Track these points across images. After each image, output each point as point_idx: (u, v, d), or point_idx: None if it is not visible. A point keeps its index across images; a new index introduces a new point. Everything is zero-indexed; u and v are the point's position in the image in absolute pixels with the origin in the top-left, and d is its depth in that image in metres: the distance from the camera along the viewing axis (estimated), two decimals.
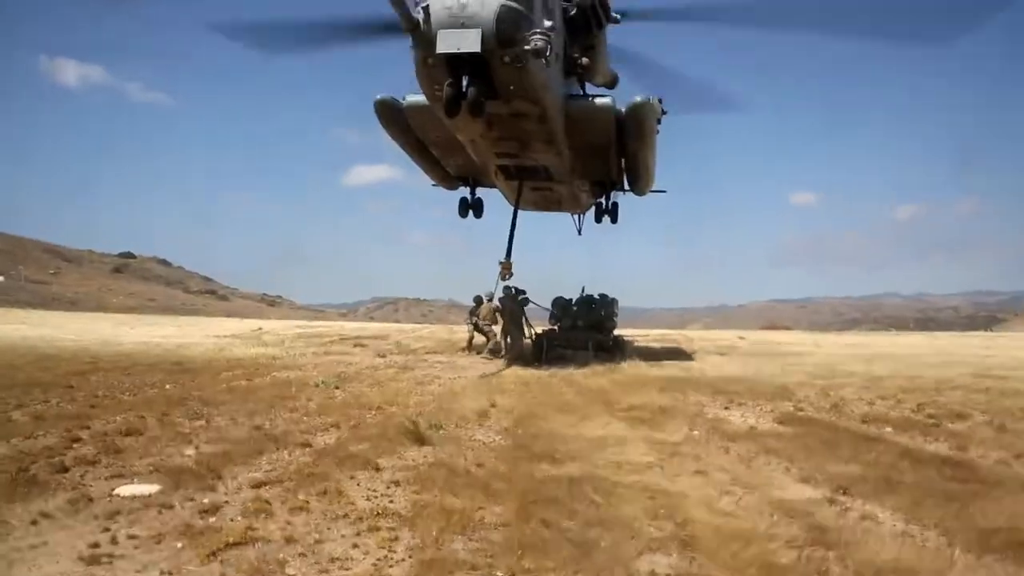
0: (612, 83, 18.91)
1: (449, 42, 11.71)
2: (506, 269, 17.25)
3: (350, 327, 43.34)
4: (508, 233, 17.82)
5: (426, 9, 11.81)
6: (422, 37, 11.99)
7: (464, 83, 12.31)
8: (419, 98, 15.70)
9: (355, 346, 22.35)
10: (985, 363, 19.65)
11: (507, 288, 18.44)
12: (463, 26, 11.64)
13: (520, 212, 18.73)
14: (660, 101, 19.00)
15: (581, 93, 16.88)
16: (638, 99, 16.43)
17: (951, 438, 8.34)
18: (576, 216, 25.86)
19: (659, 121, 19.07)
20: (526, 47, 11.99)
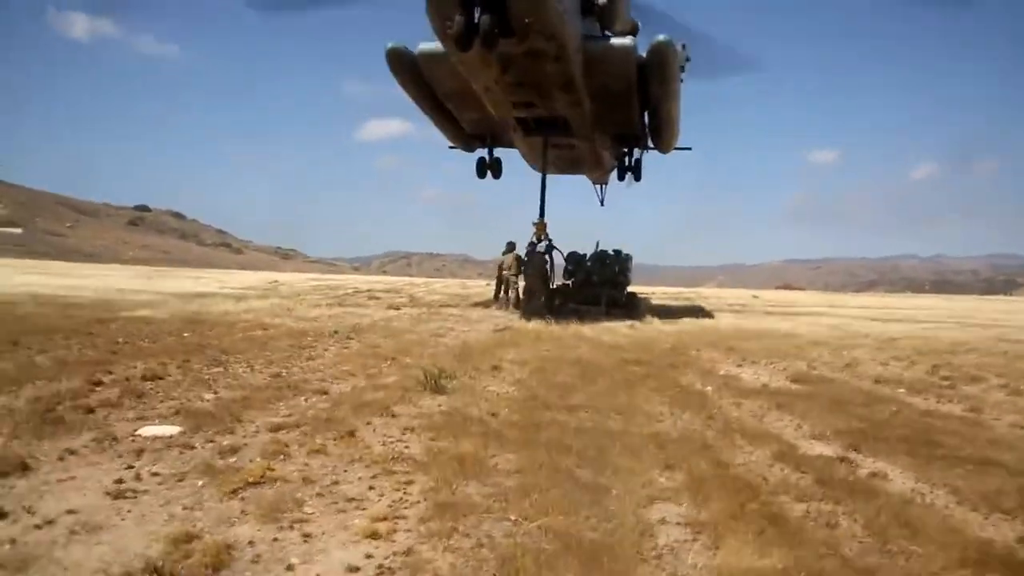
0: (632, 32, 18.25)
1: None
2: (540, 229, 17.21)
3: (364, 280, 43.67)
4: (539, 193, 17.65)
5: None
6: None
7: (476, 15, 11.89)
8: (432, 46, 15.24)
9: (369, 299, 22.51)
10: (1002, 327, 19.56)
11: (532, 244, 18.10)
12: None
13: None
14: (684, 47, 18.29)
15: (600, 35, 16.12)
16: (660, 38, 15.68)
17: (965, 400, 8.34)
18: (598, 186, 25.46)
19: (683, 69, 18.38)
20: None
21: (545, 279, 18.05)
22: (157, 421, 5.63)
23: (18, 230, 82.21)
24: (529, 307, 17.06)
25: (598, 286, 19.27)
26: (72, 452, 4.72)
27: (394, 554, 3.44)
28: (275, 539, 3.55)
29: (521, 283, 19.05)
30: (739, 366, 10.33)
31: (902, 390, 8.92)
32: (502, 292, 19.75)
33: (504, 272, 19.57)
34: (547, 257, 17.87)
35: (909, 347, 13.16)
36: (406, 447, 5.27)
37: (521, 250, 18.63)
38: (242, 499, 4.05)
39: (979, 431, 6.76)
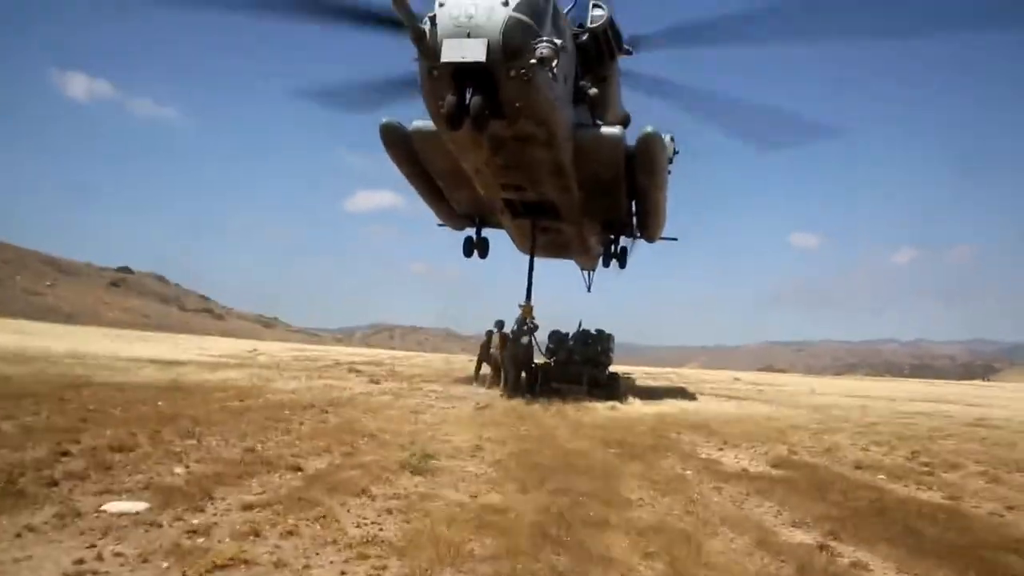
0: (624, 123, 18.62)
1: (454, 51, 11.60)
2: (527, 312, 17.24)
3: (345, 352, 43.29)
4: (527, 276, 17.71)
5: (433, 19, 11.75)
6: (428, 47, 11.88)
7: (468, 96, 12.13)
8: (425, 124, 15.51)
9: (350, 371, 22.29)
10: (980, 412, 19.69)
11: (517, 324, 18.00)
12: (469, 35, 11.55)
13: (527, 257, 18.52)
14: (672, 140, 18.79)
15: (591, 124, 16.35)
16: (649, 129, 15.98)
17: (944, 487, 8.32)
18: (586, 273, 25.73)
19: (671, 161, 18.79)
20: (532, 60, 11.88)
21: (524, 365, 17.96)
22: (124, 496, 5.46)
23: None
24: (510, 386, 16.95)
25: (580, 365, 19.21)
26: (31, 529, 4.54)
27: None
28: None
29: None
30: (720, 449, 10.27)
31: (882, 476, 8.89)
32: (490, 371, 19.52)
33: (492, 351, 19.37)
34: (529, 342, 17.84)
35: (888, 432, 13.18)
36: (381, 529, 5.14)
37: (508, 329, 18.51)
38: None
39: (959, 519, 6.73)
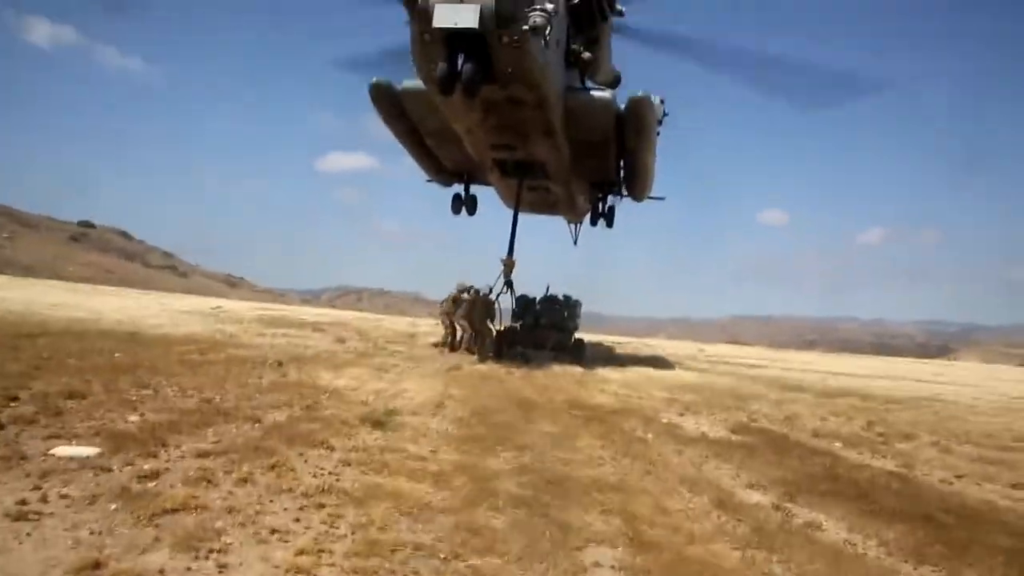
0: (614, 83, 18.61)
1: (446, 17, 11.48)
2: (509, 267, 17.18)
3: (311, 312, 42.85)
4: (510, 231, 17.63)
5: None
6: (419, 11, 11.72)
7: (460, 62, 12.03)
8: (416, 83, 15.32)
9: (314, 331, 22.05)
10: (935, 388, 20.22)
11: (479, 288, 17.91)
12: (461, 1, 11.44)
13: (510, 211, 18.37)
14: (662, 102, 18.81)
15: (582, 87, 16.38)
16: (639, 93, 16.08)
17: (898, 456, 8.52)
18: (572, 225, 25.74)
19: (660, 123, 18.84)
20: (524, 26, 11.80)
21: (475, 323, 17.87)
22: (74, 441, 5.31)
23: None
24: (475, 349, 16.93)
25: (546, 330, 19.22)
26: None
27: None
28: (189, 568, 3.34)
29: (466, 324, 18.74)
30: (681, 415, 10.36)
31: (838, 444, 9.06)
32: (458, 331, 19.39)
33: (441, 308, 19.26)
34: (478, 302, 17.71)
35: (847, 404, 13.44)
36: (338, 480, 5.07)
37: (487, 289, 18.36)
38: (157, 526, 3.82)
39: (910, 486, 6.89)
